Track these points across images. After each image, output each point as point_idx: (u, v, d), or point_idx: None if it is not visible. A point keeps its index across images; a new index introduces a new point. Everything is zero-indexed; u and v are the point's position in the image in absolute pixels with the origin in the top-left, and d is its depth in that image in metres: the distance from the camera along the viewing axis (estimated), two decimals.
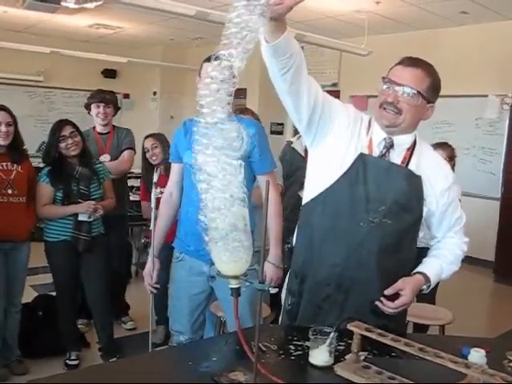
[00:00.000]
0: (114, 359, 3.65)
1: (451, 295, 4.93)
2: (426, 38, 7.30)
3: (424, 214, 1.97)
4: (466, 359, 1.65)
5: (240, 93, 9.26)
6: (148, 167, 4.08)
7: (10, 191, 3.21)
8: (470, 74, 6.94)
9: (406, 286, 1.90)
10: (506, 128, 6.66)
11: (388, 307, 1.90)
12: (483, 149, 7.08)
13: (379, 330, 1.49)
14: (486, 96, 6.85)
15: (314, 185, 2.02)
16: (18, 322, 3.48)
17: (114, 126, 4.34)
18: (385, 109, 1.90)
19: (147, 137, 4.14)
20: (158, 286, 2.78)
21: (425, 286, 1.99)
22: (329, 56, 8.55)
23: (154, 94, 10.45)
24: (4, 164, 3.24)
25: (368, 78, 7.62)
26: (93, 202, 3.46)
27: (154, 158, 4.02)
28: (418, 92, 1.86)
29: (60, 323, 3.63)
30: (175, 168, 2.72)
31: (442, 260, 2.05)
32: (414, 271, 2.00)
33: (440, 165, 2.04)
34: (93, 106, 4.19)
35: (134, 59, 8.88)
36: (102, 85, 9.34)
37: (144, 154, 4.10)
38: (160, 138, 4.11)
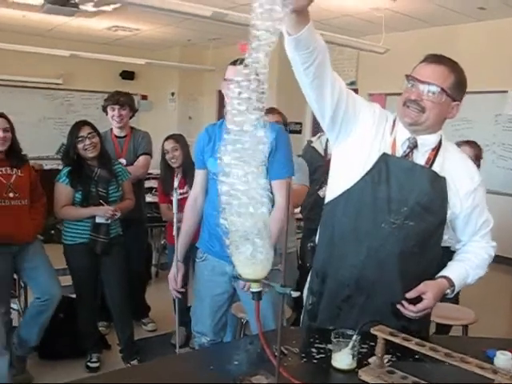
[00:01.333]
0: (135, 361, 3.68)
1: (474, 294, 4.86)
2: (444, 35, 7.22)
3: (448, 217, 1.93)
4: (491, 361, 1.63)
5: None
6: (167, 169, 4.07)
7: (11, 195, 3.24)
8: (489, 69, 6.84)
9: (428, 290, 1.87)
10: None
11: (409, 311, 1.87)
12: (503, 145, 6.99)
13: (403, 335, 1.47)
14: (506, 92, 6.76)
15: (337, 184, 1.99)
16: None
17: (131, 129, 4.33)
18: (408, 107, 1.86)
19: (168, 138, 4.08)
20: (183, 290, 2.78)
21: (449, 291, 1.96)
22: (347, 54, 8.49)
23: (172, 94, 10.48)
24: (3, 169, 3.26)
25: (386, 76, 7.59)
26: (111, 208, 3.46)
27: (173, 160, 3.99)
28: (442, 89, 1.82)
29: (80, 325, 3.65)
30: (200, 174, 2.71)
31: (467, 264, 2.00)
32: (438, 275, 1.96)
33: (466, 166, 1.98)
34: (108, 108, 4.19)
35: (151, 61, 8.92)
36: (120, 86, 9.41)
37: (163, 155, 4.07)
38: (180, 140, 4.08)
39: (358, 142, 1.92)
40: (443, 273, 1.97)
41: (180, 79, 10.27)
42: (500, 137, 6.99)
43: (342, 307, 1.97)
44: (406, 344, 1.41)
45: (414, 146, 1.91)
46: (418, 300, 1.87)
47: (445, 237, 1.99)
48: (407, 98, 1.86)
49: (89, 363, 3.65)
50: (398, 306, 1.88)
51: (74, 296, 3.75)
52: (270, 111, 3.56)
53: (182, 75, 10.25)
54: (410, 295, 1.87)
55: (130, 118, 4.33)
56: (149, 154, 4.29)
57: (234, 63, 2.57)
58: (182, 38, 9.12)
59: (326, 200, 2.05)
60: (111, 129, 4.26)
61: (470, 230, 2.02)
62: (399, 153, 1.91)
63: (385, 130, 1.94)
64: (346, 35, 6.85)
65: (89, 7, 5.83)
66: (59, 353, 3.73)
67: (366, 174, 1.89)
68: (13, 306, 3.76)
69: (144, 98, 10.73)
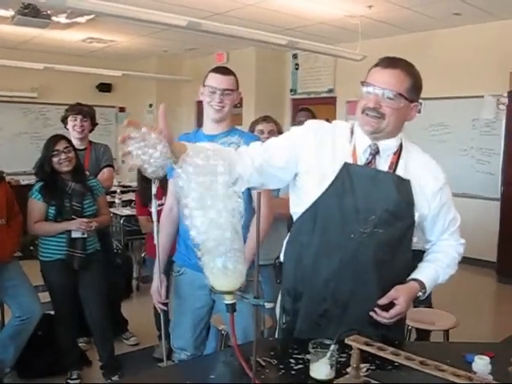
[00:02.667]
0: (116, 377, 3.61)
1: (455, 298, 4.89)
2: (420, 41, 7.30)
3: (416, 219, 1.90)
4: (471, 366, 1.62)
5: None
6: (143, 181, 4.02)
7: None
8: (465, 75, 6.94)
9: (399, 295, 1.85)
10: (502, 128, 6.64)
11: (382, 317, 1.85)
12: (481, 149, 7.06)
13: (379, 344, 1.45)
14: (482, 97, 6.83)
15: (300, 200, 1.96)
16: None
17: (90, 142, 4.26)
18: (367, 114, 1.83)
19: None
20: (168, 301, 2.74)
21: (420, 293, 1.94)
22: (323, 62, 8.54)
23: (150, 106, 10.43)
24: None
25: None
26: (85, 220, 3.42)
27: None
28: (400, 94, 1.79)
29: (60, 342, 3.59)
30: (173, 183, 2.69)
31: (437, 264, 1.99)
32: (409, 278, 1.95)
33: (430, 166, 1.96)
34: (69, 118, 4.11)
35: (128, 72, 8.89)
36: (97, 99, 9.40)
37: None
38: None
39: (311, 167, 1.90)
40: (414, 275, 1.95)
41: (157, 90, 10.23)
42: (478, 141, 7.06)
43: (319, 322, 1.94)
44: (381, 354, 1.39)
45: (375, 152, 1.88)
46: (390, 306, 1.85)
47: (414, 239, 1.97)
48: (365, 105, 1.83)
49: (69, 380, 3.59)
50: (371, 314, 1.86)
51: (52, 313, 3.69)
52: (265, 119, 3.58)
53: (160, 86, 10.22)
54: (381, 302, 1.85)
55: (90, 131, 4.26)
56: (112, 165, 4.25)
57: (215, 70, 2.58)
58: (159, 49, 9.10)
59: (294, 218, 2.02)
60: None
61: (438, 229, 2.00)
62: (361, 160, 1.89)
63: (335, 144, 1.90)
64: (323, 43, 6.89)
65: (61, 19, 5.78)
66: (39, 371, 3.65)
67: (330, 186, 1.85)
68: None
69: (122, 110, 10.67)
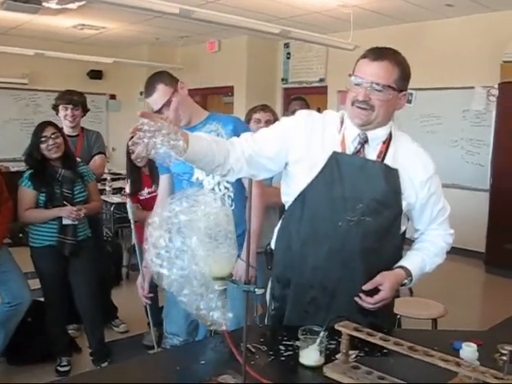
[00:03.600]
0: (106, 364, 3.62)
1: (443, 288, 4.94)
2: (412, 31, 7.29)
3: (404, 208, 1.92)
4: (458, 353, 1.64)
5: (228, 90, 9.23)
6: (133, 168, 4.01)
7: None
8: (456, 66, 6.95)
9: (384, 281, 1.87)
10: (492, 119, 6.66)
11: (367, 303, 1.87)
12: (471, 140, 7.08)
13: (368, 330, 1.47)
14: (473, 88, 6.86)
15: (290, 191, 1.98)
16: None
17: (82, 129, 4.25)
18: (357, 107, 1.84)
19: (132, 137, 4.02)
20: (151, 295, 2.75)
21: (406, 281, 1.95)
22: (316, 51, 8.52)
23: (141, 94, 10.36)
24: None
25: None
26: (74, 208, 3.41)
27: (138, 160, 3.94)
28: (389, 86, 1.80)
29: (49, 329, 3.59)
30: (164, 178, 2.71)
31: (424, 253, 2.01)
32: (396, 265, 1.96)
33: (419, 156, 1.96)
34: (60, 107, 4.09)
35: (119, 59, 8.82)
36: (87, 86, 9.31)
37: (128, 155, 4.01)
38: None
39: (301, 157, 1.92)
40: (400, 263, 1.97)
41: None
42: (468, 132, 7.08)
43: (308, 310, 1.96)
44: (370, 339, 1.41)
45: (364, 141, 1.90)
46: (376, 292, 1.87)
47: (402, 227, 1.98)
48: (355, 98, 1.84)
49: (59, 367, 3.60)
50: (356, 299, 1.88)
51: (42, 299, 3.69)
52: (263, 108, 3.56)
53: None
54: (366, 287, 1.87)
55: (82, 117, 4.24)
56: (104, 153, 4.26)
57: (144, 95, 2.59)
58: (150, 36, 9.04)
59: (286, 206, 2.03)
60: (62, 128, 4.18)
61: (426, 218, 2.01)
62: (350, 150, 1.90)
63: (324, 134, 1.92)
64: (315, 32, 6.87)
65: (52, 4, 5.69)
66: (28, 358, 3.66)
67: (318, 174, 1.87)
68: None
69: (112, 97, 10.60)
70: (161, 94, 2.50)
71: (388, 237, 1.93)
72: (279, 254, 2.04)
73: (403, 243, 2.08)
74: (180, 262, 1.36)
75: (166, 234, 1.36)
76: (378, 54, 1.83)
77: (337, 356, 1.60)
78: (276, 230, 2.08)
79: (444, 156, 6.84)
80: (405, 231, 2.06)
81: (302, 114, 1.99)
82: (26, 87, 9.39)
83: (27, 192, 3.39)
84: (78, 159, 3.75)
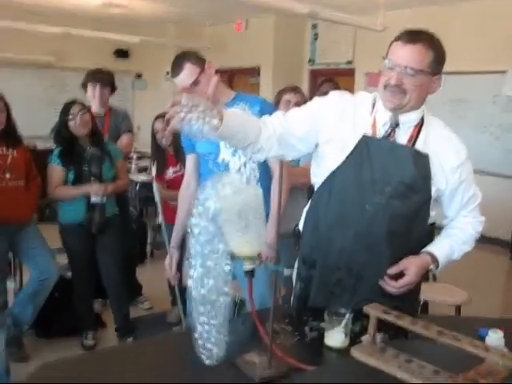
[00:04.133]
0: (131, 339, 3.69)
1: (467, 275, 4.89)
2: (442, 12, 7.14)
3: (433, 194, 1.89)
4: (484, 341, 1.63)
5: (254, 71, 9.18)
6: (158, 149, 4.03)
7: (8, 175, 3.24)
8: (488, 49, 6.78)
9: (410, 266, 1.86)
10: None
11: (392, 286, 1.87)
12: (501, 126, 6.95)
13: (396, 312, 1.47)
14: (505, 72, 6.71)
15: (320, 172, 1.98)
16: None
17: (110, 108, 4.27)
18: (390, 91, 1.82)
19: (157, 118, 4.02)
20: (178, 275, 2.78)
21: (432, 266, 1.94)
22: (343, 33, 8.40)
23: (167, 73, 10.36)
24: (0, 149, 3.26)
25: (383, 55, 7.52)
26: (102, 185, 3.45)
27: (163, 139, 3.97)
28: (421, 70, 1.77)
29: (76, 304, 3.67)
30: (190, 159, 2.72)
31: (452, 239, 1.99)
32: (422, 250, 1.95)
33: (451, 141, 1.93)
34: (89, 85, 4.11)
35: (146, 38, 8.81)
36: (114, 65, 9.34)
37: (153, 135, 4.03)
38: None
39: (332, 138, 1.92)
40: (427, 248, 1.95)
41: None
42: (498, 118, 6.95)
43: (333, 291, 1.96)
44: (398, 322, 1.41)
45: (395, 125, 1.88)
46: (401, 276, 1.87)
47: (432, 213, 1.96)
48: (387, 81, 1.82)
49: (85, 341, 3.68)
50: (380, 282, 1.88)
51: (68, 276, 3.76)
52: (294, 89, 3.51)
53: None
54: (391, 271, 1.86)
55: (110, 96, 4.26)
56: (131, 131, 4.28)
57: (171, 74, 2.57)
58: (178, 16, 9.01)
59: (315, 188, 2.04)
60: (89, 107, 4.20)
61: (456, 205, 1.98)
62: (381, 133, 1.89)
63: (355, 116, 1.91)
64: (344, 13, 6.77)
65: None
66: (55, 331, 3.75)
67: (348, 157, 1.86)
68: (8, 285, 3.76)
69: (139, 76, 10.63)
70: (188, 73, 2.49)
71: (416, 222, 1.91)
72: (306, 236, 2.04)
73: (433, 230, 2.06)
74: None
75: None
76: (412, 36, 1.80)
77: (362, 338, 1.60)
78: (304, 211, 2.08)
79: (473, 141, 6.70)
80: (435, 219, 2.04)
81: (334, 95, 1.98)
82: (53, 65, 9.45)
83: (56, 169, 3.44)
84: (106, 137, 3.79)
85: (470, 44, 6.86)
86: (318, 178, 1.99)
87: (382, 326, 1.56)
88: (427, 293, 3.21)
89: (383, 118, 1.89)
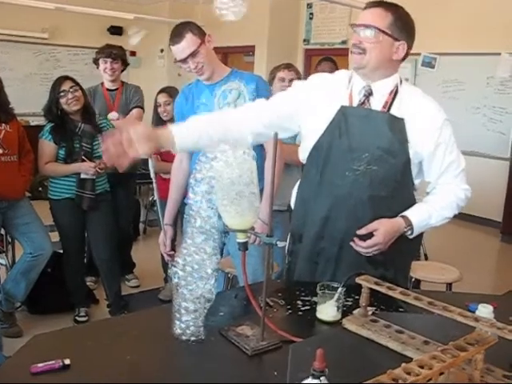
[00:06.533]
0: (123, 315, 3.70)
1: (458, 254, 4.94)
2: None
3: (412, 157, 1.91)
4: None
5: (249, 49, 9.12)
6: (158, 122, 4.06)
7: (0, 151, 3.23)
8: (483, 30, 6.73)
9: (379, 227, 1.87)
10: None
11: (360, 247, 1.89)
12: (494, 108, 6.95)
13: (388, 284, 1.48)
14: (499, 54, 6.69)
15: (304, 147, 2.05)
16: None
17: (122, 83, 4.32)
18: (352, 52, 1.91)
19: (161, 91, 4.12)
20: (172, 252, 2.78)
21: (406, 229, 1.93)
22: (339, 12, 8.35)
23: (162, 51, 10.28)
24: None
25: None
26: (93, 164, 3.44)
27: (165, 114, 4.02)
28: (378, 29, 1.84)
29: (68, 280, 3.68)
30: None
31: (429, 205, 1.98)
32: (399, 215, 1.95)
33: (427, 105, 1.96)
34: (100, 61, 4.15)
35: (140, 15, 8.71)
36: (108, 42, 9.16)
37: (156, 108, 4.07)
38: (173, 94, 4.07)
39: (313, 116, 1.98)
40: (403, 213, 1.95)
41: (169, 35, 10.06)
42: (491, 99, 6.94)
43: (317, 261, 2.01)
44: (390, 293, 1.42)
45: (369, 93, 1.94)
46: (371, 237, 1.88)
47: (416, 181, 1.98)
48: (351, 44, 1.92)
49: (77, 317, 3.70)
50: (351, 243, 1.90)
51: (61, 251, 3.76)
52: (287, 67, 3.51)
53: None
54: (360, 232, 1.88)
55: (122, 71, 4.29)
56: (141, 107, 4.29)
57: (170, 42, 2.57)
58: None
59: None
60: (102, 82, 4.23)
61: (435, 169, 1.98)
62: (356, 102, 1.95)
63: (335, 91, 1.98)
64: None
65: None
66: (48, 307, 3.75)
67: (327, 128, 1.93)
68: (0, 261, 3.77)
69: (133, 54, 10.51)
70: (188, 42, 2.48)
71: (398, 186, 1.93)
72: (295, 210, 2.10)
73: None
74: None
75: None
76: (375, 2, 1.91)
77: (354, 312, 1.62)
78: (296, 186, 2.13)
79: (465, 123, 6.73)
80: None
81: (314, 77, 2.09)
82: (46, 42, 9.34)
83: (47, 145, 3.42)
84: (115, 114, 3.80)
85: (465, 25, 6.83)
86: (303, 153, 2.05)
87: (375, 300, 1.58)
88: (419, 271, 3.24)
89: (358, 87, 1.96)
